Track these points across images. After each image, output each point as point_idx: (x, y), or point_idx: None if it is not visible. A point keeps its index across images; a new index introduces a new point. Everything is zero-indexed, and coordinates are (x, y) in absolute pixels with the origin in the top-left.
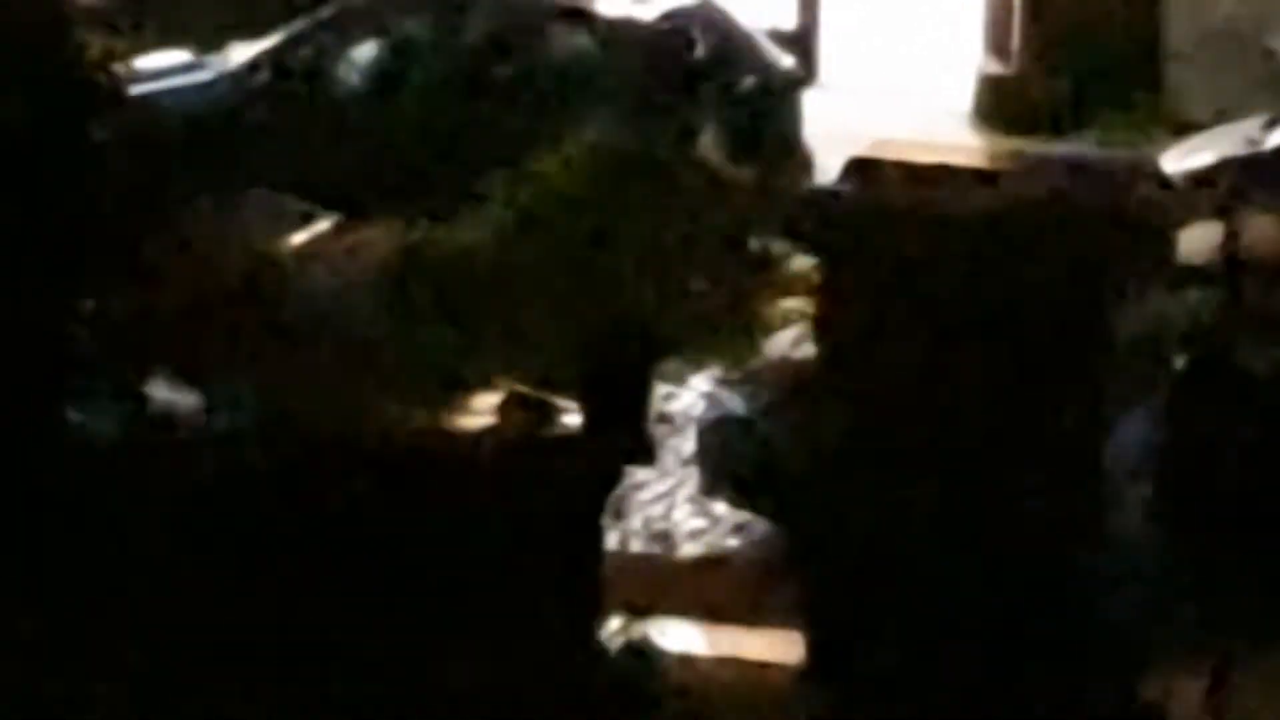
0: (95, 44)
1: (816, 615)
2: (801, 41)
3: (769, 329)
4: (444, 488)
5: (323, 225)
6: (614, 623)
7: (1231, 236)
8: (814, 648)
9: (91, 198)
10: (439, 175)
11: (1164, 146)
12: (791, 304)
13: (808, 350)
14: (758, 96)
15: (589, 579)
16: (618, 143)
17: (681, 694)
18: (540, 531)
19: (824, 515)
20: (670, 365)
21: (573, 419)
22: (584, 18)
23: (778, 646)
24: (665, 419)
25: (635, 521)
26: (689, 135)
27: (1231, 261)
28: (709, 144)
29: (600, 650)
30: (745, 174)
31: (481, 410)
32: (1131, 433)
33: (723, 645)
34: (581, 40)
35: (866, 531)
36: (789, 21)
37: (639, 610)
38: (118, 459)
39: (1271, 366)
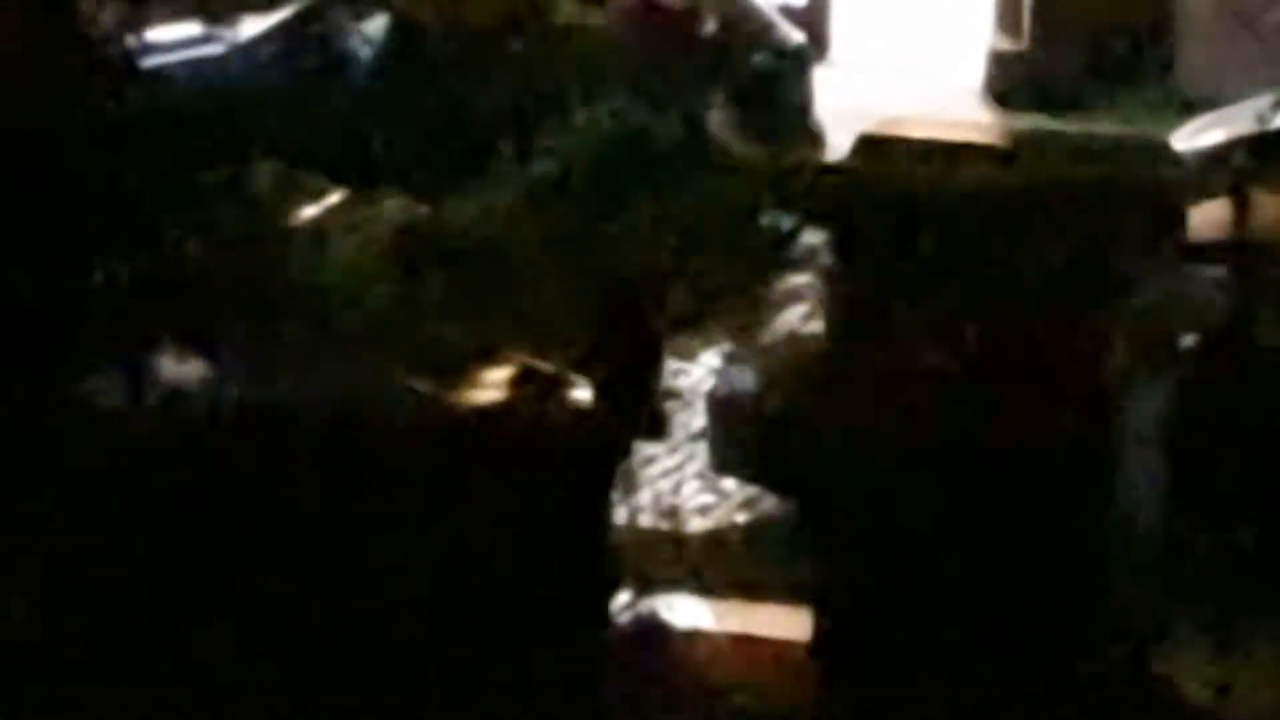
0: (107, 17)
1: (825, 592)
2: (812, 18)
3: (779, 305)
4: (453, 462)
5: (333, 199)
6: (623, 598)
7: (1242, 215)
8: (822, 624)
9: (103, 170)
10: (449, 150)
11: (1175, 124)
12: (801, 280)
13: (817, 326)
14: (769, 73)
15: (598, 554)
16: (627, 119)
17: (689, 670)
18: (549, 506)
19: (832, 491)
20: (680, 340)
21: (582, 393)
22: None
23: (786, 623)
24: (674, 394)
25: (644, 496)
26: (699, 112)
27: (1241, 240)
28: (720, 121)
29: (609, 625)
30: (756, 150)
31: (491, 384)
32: (1142, 410)
33: (731, 621)
34: (592, 16)
35: (875, 507)
36: None
37: (647, 585)
38: (124, 431)
39: None
